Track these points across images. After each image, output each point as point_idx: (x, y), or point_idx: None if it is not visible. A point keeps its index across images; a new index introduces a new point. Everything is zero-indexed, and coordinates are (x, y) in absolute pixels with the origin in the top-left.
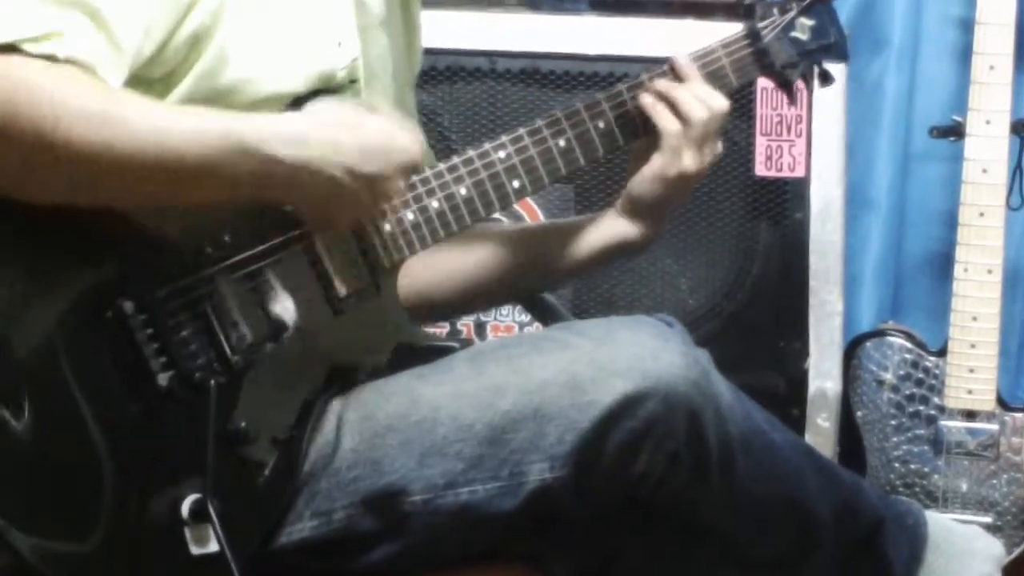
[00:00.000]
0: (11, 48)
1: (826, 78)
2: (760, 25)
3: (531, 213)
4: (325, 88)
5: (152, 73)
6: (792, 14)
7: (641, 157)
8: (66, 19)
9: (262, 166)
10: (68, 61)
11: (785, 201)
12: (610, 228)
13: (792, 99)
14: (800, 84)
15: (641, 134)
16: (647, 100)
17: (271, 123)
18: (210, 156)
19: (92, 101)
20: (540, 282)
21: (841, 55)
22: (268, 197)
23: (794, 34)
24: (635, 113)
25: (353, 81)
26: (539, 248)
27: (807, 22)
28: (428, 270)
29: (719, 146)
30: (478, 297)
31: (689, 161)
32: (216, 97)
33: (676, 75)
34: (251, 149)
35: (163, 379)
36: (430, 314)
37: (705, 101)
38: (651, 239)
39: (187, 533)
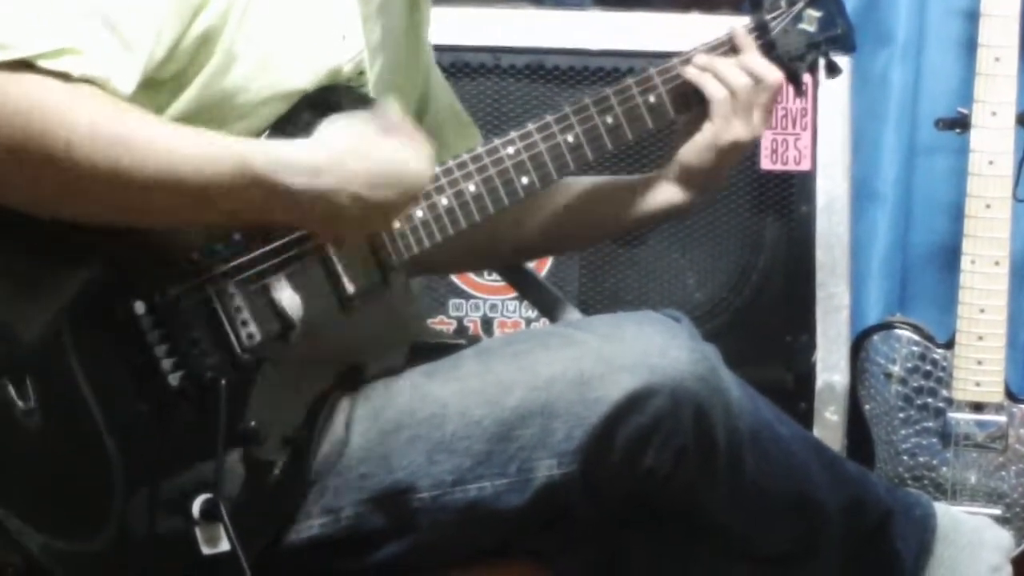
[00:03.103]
0: (26, 63)
1: (833, 69)
2: (768, 17)
3: None
4: (333, 83)
5: (161, 75)
6: (800, 6)
7: (693, 126)
8: (81, 32)
9: (273, 195)
10: (82, 78)
11: (791, 195)
12: (661, 194)
13: (800, 92)
14: (807, 77)
15: (694, 105)
16: (691, 71)
17: (284, 153)
18: (221, 184)
19: (104, 123)
20: (591, 237)
21: (848, 46)
22: (276, 221)
23: (802, 26)
24: (643, 108)
25: (360, 73)
26: (596, 204)
27: (814, 13)
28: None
29: (769, 116)
30: (528, 247)
31: (740, 129)
32: (225, 96)
33: (732, 46)
34: (263, 179)
35: (173, 379)
36: (483, 261)
37: (753, 71)
38: (698, 204)
39: (198, 533)
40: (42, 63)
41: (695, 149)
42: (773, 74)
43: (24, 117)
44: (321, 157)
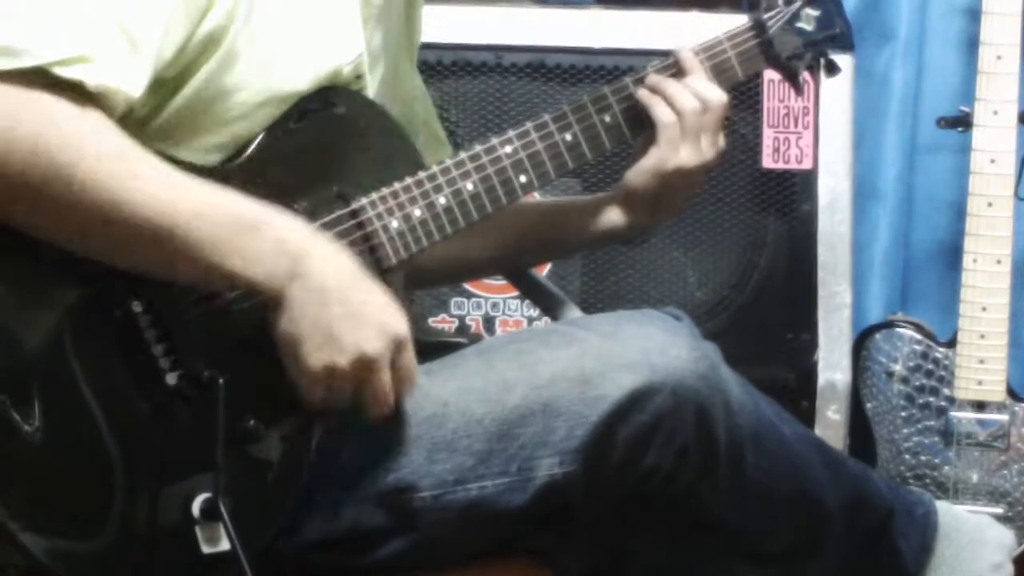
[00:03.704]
0: (40, 71)
1: (832, 68)
2: (766, 16)
3: None
4: (331, 86)
5: (166, 74)
6: (797, 5)
7: (642, 149)
8: (94, 39)
9: (265, 244)
10: (96, 88)
11: (793, 193)
12: (603, 216)
13: (798, 90)
14: (806, 75)
15: (648, 127)
16: (642, 93)
17: (282, 213)
18: (215, 229)
19: (110, 153)
20: (535, 258)
21: (846, 45)
22: (263, 280)
23: (799, 24)
24: (641, 106)
25: (359, 76)
26: (539, 226)
27: (812, 12)
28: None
29: (721, 141)
30: (474, 268)
31: (686, 155)
32: (223, 94)
33: (679, 68)
34: (259, 226)
35: (171, 378)
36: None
37: (700, 94)
38: (643, 231)
39: (198, 532)
40: (57, 71)
41: (639, 173)
42: (718, 96)
43: (32, 141)
44: (317, 231)
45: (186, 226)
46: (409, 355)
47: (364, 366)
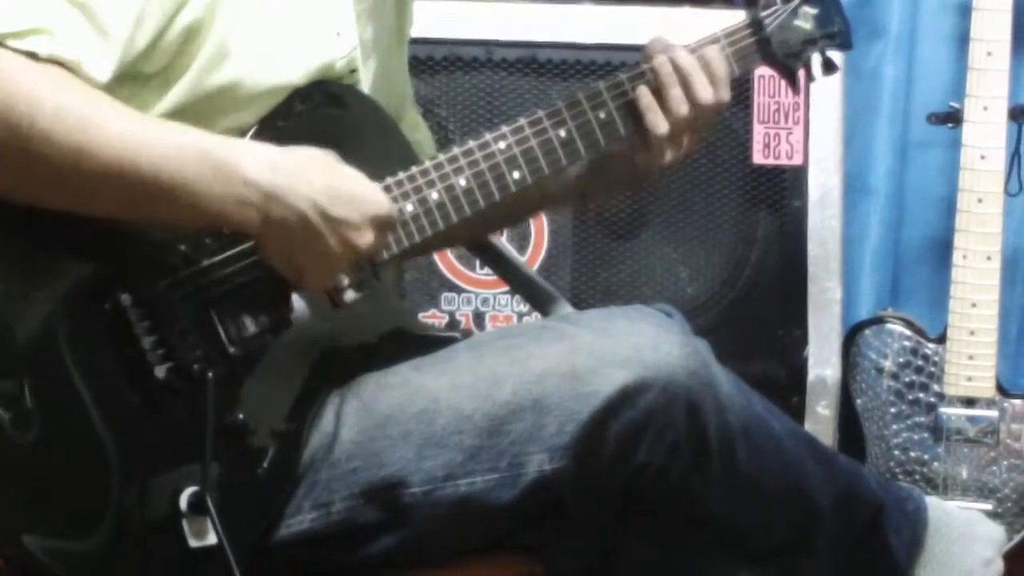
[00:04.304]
0: None
1: (830, 67)
2: (763, 14)
3: None
4: (324, 80)
5: (147, 68)
6: (796, 2)
7: (628, 145)
8: (52, 13)
9: (232, 187)
10: (50, 59)
11: (783, 189)
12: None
13: (796, 89)
14: (802, 74)
15: (641, 124)
16: (643, 96)
17: (246, 146)
18: (183, 171)
19: (69, 103)
20: (495, 225)
21: (845, 43)
22: (236, 221)
23: (797, 22)
24: (635, 103)
25: (353, 71)
26: None
27: (810, 10)
28: None
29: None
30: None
31: (669, 157)
32: (218, 92)
33: (676, 70)
34: (224, 168)
35: (161, 371)
36: None
37: (698, 102)
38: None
39: (185, 526)
40: (10, 43)
41: (619, 159)
42: (717, 100)
43: None
44: (281, 157)
45: (153, 169)
46: (391, 221)
47: (361, 256)
